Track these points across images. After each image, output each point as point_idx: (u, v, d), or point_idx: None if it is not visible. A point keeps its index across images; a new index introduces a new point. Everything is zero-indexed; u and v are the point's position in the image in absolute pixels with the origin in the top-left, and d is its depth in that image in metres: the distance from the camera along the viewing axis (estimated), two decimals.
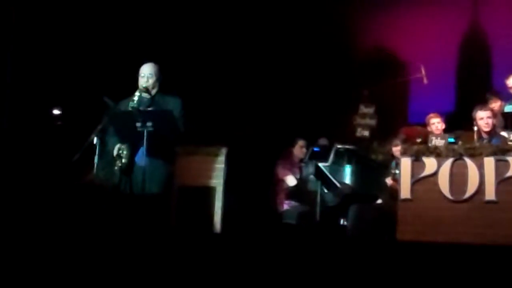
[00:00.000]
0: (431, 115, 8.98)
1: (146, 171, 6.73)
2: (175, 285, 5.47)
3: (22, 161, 9.30)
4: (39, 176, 8.80)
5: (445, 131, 8.75)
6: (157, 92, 7.15)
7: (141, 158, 6.78)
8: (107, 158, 7.14)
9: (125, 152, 6.92)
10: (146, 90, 7.07)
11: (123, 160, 6.91)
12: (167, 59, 7.55)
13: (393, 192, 8.41)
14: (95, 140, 7.02)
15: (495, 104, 8.99)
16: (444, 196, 7.61)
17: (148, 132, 6.70)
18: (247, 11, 11.30)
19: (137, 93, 7.05)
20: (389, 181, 8.74)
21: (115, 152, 6.95)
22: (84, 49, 10.28)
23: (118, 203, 6.88)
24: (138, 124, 6.73)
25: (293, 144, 9.68)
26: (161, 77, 7.19)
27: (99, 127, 7.03)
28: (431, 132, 8.65)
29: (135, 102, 6.98)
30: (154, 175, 6.82)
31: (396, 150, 8.77)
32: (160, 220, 6.82)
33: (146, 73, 7.12)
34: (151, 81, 7.11)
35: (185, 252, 6.03)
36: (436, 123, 8.86)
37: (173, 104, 7.04)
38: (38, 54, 9.95)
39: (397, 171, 8.52)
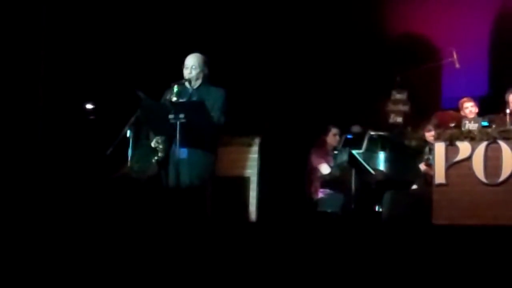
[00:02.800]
0: (464, 99, 8.93)
1: (186, 163, 6.74)
2: (213, 275, 5.49)
3: (57, 156, 9.38)
4: (75, 170, 8.87)
5: (479, 115, 8.70)
6: (201, 84, 7.10)
7: (181, 150, 6.78)
8: (142, 151, 7.17)
9: (161, 146, 6.93)
10: (189, 81, 7.05)
11: (160, 154, 6.93)
12: (203, 49, 7.52)
13: (427, 177, 8.40)
14: (128, 133, 7.05)
15: None
16: (479, 180, 7.60)
17: (181, 124, 6.70)
18: None
19: (176, 85, 7.02)
20: (422, 166, 8.72)
21: (152, 145, 6.96)
22: (117, 42, 10.32)
23: (154, 195, 6.91)
24: (171, 116, 6.73)
25: (326, 132, 9.67)
26: (206, 69, 7.13)
27: (132, 120, 7.06)
28: (465, 117, 8.61)
29: (174, 94, 6.97)
30: (195, 167, 6.82)
31: (429, 135, 8.74)
32: (196, 212, 6.84)
33: (190, 65, 7.09)
34: (194, 73, 7.06)
35: (221, 242, 6.05)
36: (469, 107, 8.81)
37: (215, 95, 7.00)
38: (71, 48, 10.01)
39: (430, 156, 8.50)
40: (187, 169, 6.78)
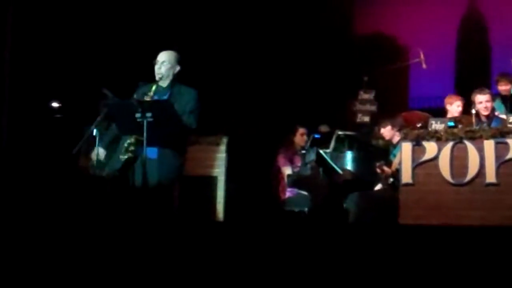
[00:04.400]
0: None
1: (156, 163, 6.69)
2: (179, 274, 5.48)
3: (22, 154, 9.30)
4: (40, 169, 8.81)
5: (444, 115, 8.74)
6: (172, 82, 7.01)
7: (150, 150, 6.73)
8: (109, 149, 7.11)
9: (133, 148, 6.84)
10: (159, 78, 6.96)
11: (129, 155, 6.84)
12: (172, 47, 7.46)
13: (387, 177, 8.45)
14: (94, 131, 6.99)
15: (505, 87, 8.93)
16: (445, 180, 7.63)
17: (148, 123, 6.64)
18: None
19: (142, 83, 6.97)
20: (380, 168, 8.68)
21: (125, 145, 6.88)
22: (82, 40, 10.26)
23: (119, 193, 6.87)
24: (138, 115, 6.67)
25: (293, 132, 9.68)
26: (178, 66, 7.03)
27: (99, 118, 7.00)
28: (431, 116, 8.60)
29: (152, 91, 6.90)
30: (165, 167, 6.76)
31: (385, 131, 8.77)
32: (163, 210, 6.80)
33: (161, 60, 6.98)
34: (164, 69, 6.92)
35: (188, 241, 6.04)
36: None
37: (187, 97, 6.90)
38: (36, 47, 9.93)
39: (391, 156, 8.56)
40: (156, 169, 6.72)
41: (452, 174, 7.60)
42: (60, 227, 6.30)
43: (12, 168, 8.94)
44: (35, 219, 6.46)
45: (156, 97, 6.86)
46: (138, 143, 6.72)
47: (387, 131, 8.78)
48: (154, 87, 6.93)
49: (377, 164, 8.58)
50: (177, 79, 7.01)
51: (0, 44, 9.60)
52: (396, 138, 8.60)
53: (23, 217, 6.48)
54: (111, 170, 7.05)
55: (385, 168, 8.55)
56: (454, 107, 8.70)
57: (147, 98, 6.81)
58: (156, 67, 6.97)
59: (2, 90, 9.54)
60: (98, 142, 7.51)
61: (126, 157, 6.82)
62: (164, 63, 6.94)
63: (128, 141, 6.80)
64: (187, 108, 6.85)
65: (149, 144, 6.61)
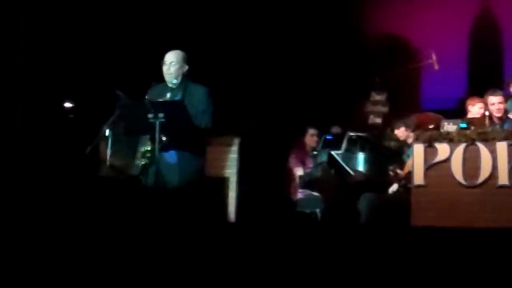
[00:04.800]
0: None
1: (176, 166, 6.70)
2: (191, 275, 5.48)
3: (36, 155, 9.32)
4: (53, 169, 8.83)
5: (458, 116, 8.71)
6: (182, 81, 7.02)
7: (169, 153, 6.74)
8: (123, 150, 7.11)
9: (149, 155, 6.84)
10: (168, 79, 6.96)
11: (146, 161, 6.85)
12: (183, 47, 7.46)
13: (401, 179, 8.44)
14: (107, 132, 7.00)
15: None
16: (457, 182, 7.62)
17: (160, 124, 6.65)
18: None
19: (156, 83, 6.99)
20: (393, 171, 8.67)
21: (141, 151, 6.88)
22: (96, 41, 10.28)
23: (134, 195, 6.87)
24: (150, 116, 6.67)
25: (304, 134, 9.69)
26: (186, 65, 7.03)
27: (111, 119, 7.01)
28: (443, 118, 8.59)
29: (157, 91, 6.92)
30: (185, 171, 6.76)
31: (399, 132, 8.76)
32: (176, 212, 6.81)
33: (169, 61, 6.98)
34: (173, 69, 6.92)
35: (199, 242, 6.04)
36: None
37: (198, 95, 6.89)
38: (50, 47, 9.95)
39: (404, 156, 8.55)
40: (177, 173, 6.73)
41: (465, 176, 7.59)
42: (72, 229, 6.31)
43: (26, 168, 8.96)
44: (49, 220, 6.46)
45: (168, 98, 6.88)
46: (154, 150, 6.73)
47: (401, 132, 8.78)
48: (165, 88, 6.96)
49: (391, 168, 8.58)
50: (187, 78, 7.02)
51: (13, 44, 9.62)
52: (411, 139, 8.57)
53: (36, 218, 6.49)
54: (127, 174, 7.06)
55: (399, 171, 8.54)
56: (476, 109, 8.65)
57: (160, 99, 6.84)
58: (165, 68, 6.97)
59: (16, 90, 9.56)
60: (112, 144, 7.54)
61: (143, 162, 6.83)
62: (173, 63, 6.95)
63: (145, 148, 6.82)
64: (200, 108, 6.85)
65: (166, 148, 6.63)
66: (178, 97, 6.90)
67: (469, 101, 8.81)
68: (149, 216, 6.45)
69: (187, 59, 7.04)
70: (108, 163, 7.22)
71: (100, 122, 7.09)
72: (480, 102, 8.67)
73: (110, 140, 7.09)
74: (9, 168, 8.96)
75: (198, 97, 6.90)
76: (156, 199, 6.63)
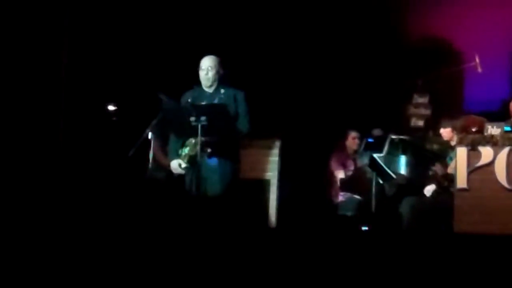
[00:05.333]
0: None
1: (216, 172, 6.78)
2: (233, 280, 5.49)
3: (79, 158, 9.41)
4: (96, 172, 8.90)
5: (501, 119, 8.63)
6: (218, 86, 7.10)
7: (211, 160, 6.82)
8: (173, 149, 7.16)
9: (192, 159, 6.90)
10: (206, 83, 7.05)
11: (188, 165, 6.91)
12: (224, 52, 7.51)
13: (442, 181, 8.38)
14: (149, 135, 7.07)
15: None
16: (501, 186, 7.55)
17: (202, 127, 6.71)
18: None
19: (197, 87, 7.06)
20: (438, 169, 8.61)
21: (186, 152, 6.94)
22: (139, 44, 10.34)
23: (178, 200, 6.92)
24: (192, 119, 6.74)
25: (345, 137, 9.67)
26: (221, 70, 7.13)
27: (154, 122, 7.08)
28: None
29: (195, 95, 7.00)
30: (224, 177, 6.84)
31: (444, 131, 8.66)
32: (216, 217, 6.84)
33: (206, 66, 7.08)
34: (210, 74, 7.04)
35: (240, 246, 6.05)
36: None
37: (237, 99, 7.00)
38: (93, 49, 10.04)
39: (448, 159, 8.48)
40: (218, 175, 6.80)
41: (509, 180, 7.52)
42: (115, 230, 6.35)
43: (69, 171, 9.04)
44: (91, 222, 6.52)
45: (204, 102, 6.96)
46: (197, 155, 6.79)
47: (446, 132, 8.65)
48: (202, 92, 7.04)
49: (433, 168, 8.53)
50: (223, 82, 7.10)
51: (57, 47, 9.72)
52: (454, 142, 8.50)
53: (79, 220, 6.55)
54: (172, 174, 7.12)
55: (438, 168, 8.48)
56: None
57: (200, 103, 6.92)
58: (203, 73, 7.06)
59: (59, 93, 9.66)
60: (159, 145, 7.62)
61: (187, 165, 6.89)
62: (210, 68, 7.04)
63: (189, 152, 6.88)
64: (239, 111, 6.93)
65: (209, 154, 6.70)
66: (216, 101, 6.98)
67: None
68: (190, 221, 6.49)
69: (223, 64, 7.13)
70: (150, 165, 7.28)
71: (143, 125, 7.16)
72: None
73: (152, 143, 7.15)
74: (53, 171, 9.06)
75: (236, 101, 6.98)
76: (196, 204, 6.67)
